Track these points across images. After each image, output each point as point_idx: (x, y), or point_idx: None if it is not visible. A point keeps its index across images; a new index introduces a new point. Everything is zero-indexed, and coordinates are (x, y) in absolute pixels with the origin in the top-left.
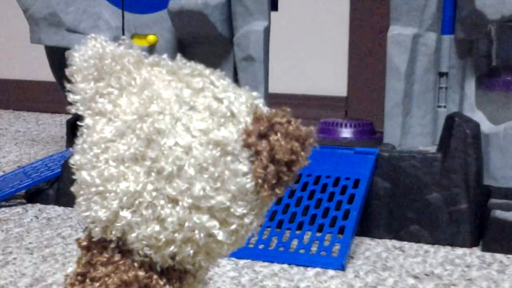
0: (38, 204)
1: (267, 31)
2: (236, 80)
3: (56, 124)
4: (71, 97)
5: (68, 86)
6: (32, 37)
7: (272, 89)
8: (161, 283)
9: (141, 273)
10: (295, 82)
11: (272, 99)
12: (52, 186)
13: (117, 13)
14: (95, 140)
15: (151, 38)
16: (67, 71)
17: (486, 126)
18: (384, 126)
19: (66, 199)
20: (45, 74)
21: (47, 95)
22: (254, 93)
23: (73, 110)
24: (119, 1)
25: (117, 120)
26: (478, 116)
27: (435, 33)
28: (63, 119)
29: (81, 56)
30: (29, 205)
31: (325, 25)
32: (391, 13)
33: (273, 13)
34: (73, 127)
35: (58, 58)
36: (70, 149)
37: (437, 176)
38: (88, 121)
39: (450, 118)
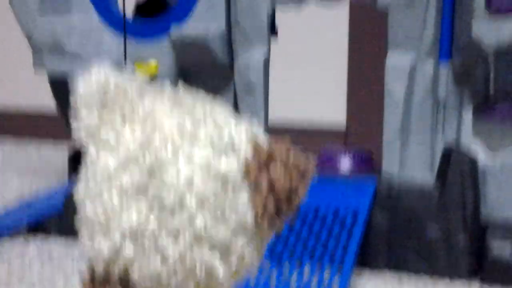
0: (40, 237)
1: (267, 59)
2: (236, 108)
3: (58, 155)
4: (74, 126)
5: (71, 115)
6: (35, 63)
7: (272, 118)
8: None
9: None
10: (294, 112)
11: (272, 128)
12: (54, 218)
13: (119, 40)
14: (98, 171)
15: (153, 65)
16: (71, 100)
17: (483, 154)
18: (383, 156)
19: (69, 232)
20: (48, 103)
21: (49, 125)
22: (254, 123)
23: (76, 140)
24: (121, 28)
25: (120, 151)
26: (476, 144)
27: (433, 60)
28: (65, 149)
29: (84, 85)
30: (31, 238)
31: (324, 56)
32: (388, 39)
33: (272, 45)
34: (74, 161)
35: (61, 88)
36: (72, 181)
37: (434, 209)
38: (91, 151)
39: (447, 153)
